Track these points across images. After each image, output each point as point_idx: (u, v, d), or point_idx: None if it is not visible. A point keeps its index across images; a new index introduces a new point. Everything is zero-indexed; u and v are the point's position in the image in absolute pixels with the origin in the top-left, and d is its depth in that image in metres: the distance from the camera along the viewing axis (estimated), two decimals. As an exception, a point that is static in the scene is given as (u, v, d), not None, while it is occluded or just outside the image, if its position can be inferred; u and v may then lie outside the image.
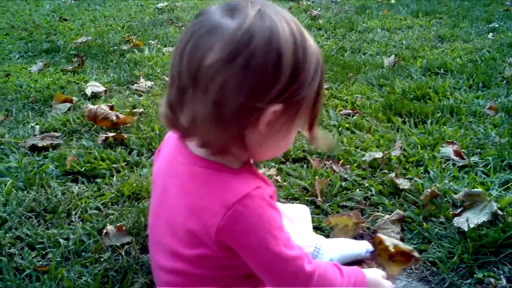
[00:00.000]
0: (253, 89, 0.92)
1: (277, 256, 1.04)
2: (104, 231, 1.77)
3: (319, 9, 5.57)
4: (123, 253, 1.71)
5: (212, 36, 0.92)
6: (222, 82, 0.91)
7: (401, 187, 2.01)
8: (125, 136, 2.48)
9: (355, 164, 2.20)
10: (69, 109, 2.92)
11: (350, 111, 2.81)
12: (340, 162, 2.23)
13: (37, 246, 1.76)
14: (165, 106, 1.03)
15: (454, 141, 2.35)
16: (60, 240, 1.77)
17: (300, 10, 5.52)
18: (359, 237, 1.79)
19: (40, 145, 2.44)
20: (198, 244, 1.05)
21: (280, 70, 0.92)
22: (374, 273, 1.41)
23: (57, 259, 1.69)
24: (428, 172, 2.14)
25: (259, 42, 0.90)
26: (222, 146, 1.01)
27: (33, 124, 2.70)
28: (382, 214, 1.86)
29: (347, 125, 2.60)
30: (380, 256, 1.63)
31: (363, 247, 1.67)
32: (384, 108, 2.81)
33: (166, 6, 5.88)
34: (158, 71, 3.58)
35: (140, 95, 3.15)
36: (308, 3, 5.89)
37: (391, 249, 1.60)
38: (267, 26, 0.92)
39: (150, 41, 4.42)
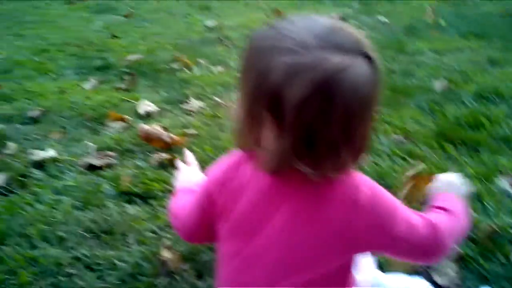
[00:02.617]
0: (369, 108, 0.96)
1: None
2: (160, 257, 1.79)
3: (366, 28, 5.54)
4: (179, 279, 1.73)
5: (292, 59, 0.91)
6: (319, 110, 0.91)
7: (457, 221, 1.98)
8: (178, 157, 2.50)
9: (409, 194, 2.18)
10: (123, 128, 2.97)
11: (401, 137, 2.79)
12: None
13: (95, 268, 1.80)
14: (252, 141, 1.01)
15: (510, 173, 2.31)
16: (117, 262, 1.81)
17: (348, 31, 5.51)
18: (414, 273, 1.77)
19: (95, 164, 2.50)
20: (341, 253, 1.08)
21: (377, 83, 0.96)
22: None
23: (115, 281, 1.72)
24: (484, 206, 2.11)
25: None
26: (333, 166, 1.00)
27: (88, 142, 2.76)
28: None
29: (399, 152, 2.59)
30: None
31: (422, 285, 1.65)
32: (436, 135, 2.79)
33: (215, 25, 5.93)
34: (208, 91, 3.61)
35: (191, 115, 3.19)
36: (356, 22, 5.86)
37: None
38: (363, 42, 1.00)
39: (200, 60, 4.47)
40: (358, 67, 0.91)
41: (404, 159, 2.54)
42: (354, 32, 0.98)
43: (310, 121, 0.90)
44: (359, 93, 0.91)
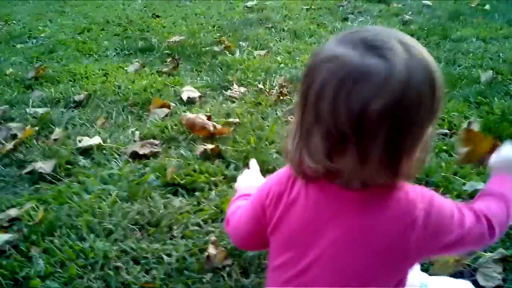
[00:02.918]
0: (419, 126, 0.95)
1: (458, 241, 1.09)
2: (206, 253, 1.80)
3: (410, 12, 5.44)
4: (225, 275, 1.75)
5: (368, 83, 0.91)
6: (391, 125, 0.92)
7: (504, 223, 1.95)
8: (222, 148, 2.51)
9: (455, 193, 2.15)
10: (166, 115, 2.99)
11: (447, 130, 2.75)
12: (440, 190, 2.19)
13: (141, 261, 1.82)
14: (319, 156, 1.01)
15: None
16: (163, 256, 1.83)
17: (391, 14, 5.42)
18: (458, 274, 1.76)
19: (140, 152, 2.52)
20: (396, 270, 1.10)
21: (436, 96, 0.95)
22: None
23: (162, 276, 1.75)
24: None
25: (419, 78, 0.92)
26: (384, 180, 1.02)
27: (133, 130, 2.79)
28: (484, 254, 1.81)
29: (444, 147, 2.55)
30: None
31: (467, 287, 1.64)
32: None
33: (256, 5, 5.89)
34: (251, 76, 3.59)
35: (234, 102, 3.18)
36: (399, 5, 5.76)
37: None
38: (418, 59, 0.94)
39: (241, 42, 4.45)
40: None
41: (450, 154, 2.50)
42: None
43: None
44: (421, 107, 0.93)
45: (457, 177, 2.28)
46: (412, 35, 4.38)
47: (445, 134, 2.72)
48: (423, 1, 5.88)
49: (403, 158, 0.97)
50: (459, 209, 1.11)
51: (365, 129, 0.92)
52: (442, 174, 2.30)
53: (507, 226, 1.21)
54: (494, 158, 1.34)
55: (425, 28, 4.86)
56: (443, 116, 2.90)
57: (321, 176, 1.05)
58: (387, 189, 1.04)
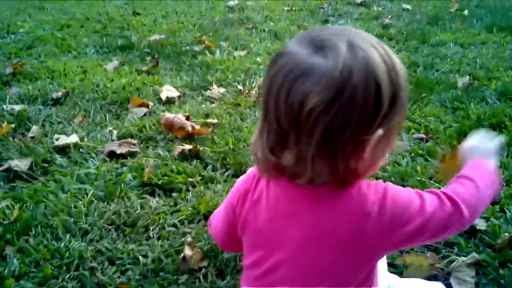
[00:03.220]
0: (358, 124, 0.93)
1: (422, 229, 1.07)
2: (182, 254, 1.81)
3: (390, 16, 5.49)
4: (200, 276, 1.75)
5: (308, 79, 0.92)
6: (327, 122, 0.92)
7: (477, 227, 1.98)
8: (200, 148, 2.52)
9: (430, 198, 2.18)
10: (145, 114, 2.99)
11: (423, 135, 2.78)
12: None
13: (117, 262, 1.82)
14: (265, 151, 1.03)
15: (533, 179, 2.30)
16: (139, 257, 1.83)
17: (371, 17, 5.46)
18: (432, 277, 1.78)
19: (118, 151, 2.51)
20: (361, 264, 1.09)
21: (381, 99, 0.93)
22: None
23: (137, 277, 1.75)
24: (505, 212, 2.10)
25: (358, 77, 0.91)
26: (331, 179, 1.01)
27: (110, 128, 2.78)
28: (458, 258, 1.84)
29: (420, 152, 2.57)
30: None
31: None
32: (458, 134, 2.77)
33: (237, 4, 5.91)
34: (230, 77, 3.60)
35: (213, 102, 3.19)
36: (379, 9, 5.81)
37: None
38: (360, 59, 0.93)
39: (222, 42, 4.46)
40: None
41: (425, 159, 2.53)
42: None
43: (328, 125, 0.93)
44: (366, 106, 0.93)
45: (432, 182, 2.31)
46: (391, 39, 4.47)
47: (421, 139, 2.74)
48: (403, 5, 5.96)
49: (342, 158, 0.97)
50: (419, 195, 1.09)
51: (302, 126, 0.94)
52: (418, 178, 2.32)
53: (481, 206, 1.19)
54: (463, 146, 1.35)
55: (404, 32, 4.91)
56: (419, 121, 2.93)
57: (271, 172, 1.07)
58: (339, 186, 1.04)
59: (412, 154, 2.56)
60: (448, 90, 3.43)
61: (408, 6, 5.91)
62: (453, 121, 2.97)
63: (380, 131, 0.96)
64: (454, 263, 1.81)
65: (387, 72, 0.94)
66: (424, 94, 3.34)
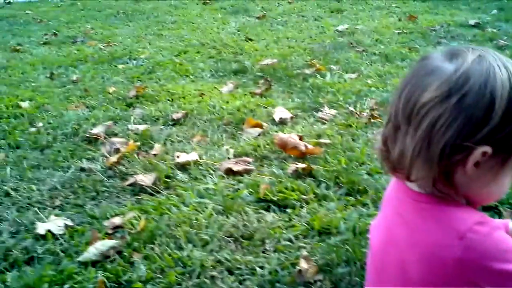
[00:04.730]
0: (462, 127, 0.95)
1: None
2: (297, 267, 1.86)
3: (505, 38, 5.34)
4: (315, 289, 1.80)
5: (430, 77, 0.99)
6: (433, 119, 0.96)
7: None
8: (313, 167, 2.58)
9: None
10: (259, 134, 3.09)
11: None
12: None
13: (235, 272, 1.91)
14: (381, 141, 1.10)
15: None
16: (256, 268, 1.91)
17: (485, 39, 5.33)
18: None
19: (234, 169, 2.62)
20: (433, 286, 1.05)
21: (492, 111, 0.94)
22: None
23: (254, 287, 1.82)
24: None
25: (474, 84, 0.94)
26: (428, 182, 1.02)
27: (227, 147, 2.90)
28: None
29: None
30: None
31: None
32: None
33: (347, 29, 5.95)
34: (341, 99, 3.65)
35: (324, 123, 3.24)
36: (494, 30, 5.65)
37: None
38: (483, 69, 0.96)
39: (332, 66, 4.52)
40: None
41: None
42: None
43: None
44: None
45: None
46: (507, 61, 4.31)
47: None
48: (520, 25, 5.76)
49: (439, 160, 0.97)
50: None
51: (412, 119, 0.99)
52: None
53: None
54: None
55: (520, 54, 4.76)
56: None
57: (385, 165, 1.12)
58: (439, 197, 1.05)
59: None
60: None
61: (526, 26, 5.72)
62: None
63: (487, 148, 0.96)
64: None
65: (508, 91, 0.96)
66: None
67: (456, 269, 1.00)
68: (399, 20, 6.46)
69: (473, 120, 0.95)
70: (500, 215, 2.18)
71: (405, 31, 5.77)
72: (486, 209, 2.23)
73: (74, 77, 4.46)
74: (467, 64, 0.97)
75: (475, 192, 1.06)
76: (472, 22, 6.09)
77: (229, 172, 2.62)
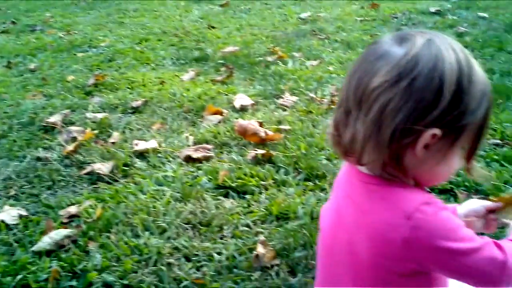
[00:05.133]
0: (412, 111, 0.95)
1: (464, 253, 1.01)
2: (255, 252, 1.86)
3: (465, 24, 5.40)
4: (272, 274, 1.80)
5: (379, 62, 0.99)
6: (383, 103, 0.96)
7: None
8: (273, 153, 2.57)
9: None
10: (219, 121, 3.07)
11: (499, 141, 2.74)
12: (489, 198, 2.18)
13: (193, 258, 1.89)
14: (332, 126, 1.10)
15: None
16: (214, 254, 1.90)
17: (446, 26, 5.38)
18: None
19: (194, 156, 2.60)
20: (382, 267, 1.06)
21: (441, 94, 0.95)
22: None
23: (211, 273, 1.81)
24: None
25: (423, 68, 0.95)
26: (378, 165, 1.03)
27: (187, 135, 2.88)
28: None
29: (495, 157, 2.54)
30: None
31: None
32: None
33: (310, 16, 5.95)
34: (302, 85, 3.65)
35: (285, 110, 3.24)
36: (454, 18, 5.72)
37: None
38: (432, 53, 0.97)
39: (294, 53, 4.51)
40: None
41: (501, 164, 2.49)
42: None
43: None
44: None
45: (507, 186, 2.28)
46: (466, 47, 4.36)
47: (497, 144, 2.70)
48: (479, 13, 5.83)
49: (389, 143, 0.98)
50: (470, 233, 1.04)
51: (363, 104, 0.99)
52: (492, 182, 2.30)
53: None
54: None
55: (480, 40, 4.82)
56: (495, 127, 2.89)
57: (337, 149, 1.11)
58: (387, 178, 1.05)
59: (487, 160, 2.52)
60: (526, 97, 3.36)
61: (485, 14, 5.78)
62: (531, 127, 2.91)
63: (436, 130, 0.97)
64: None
65: (457, 74, 0.96)
66: (501, 101, 3.28)
67: (404, 249, 1.00)
68: (362, 7, 6.49)
69: (423, 104, 0.95)
70: (455, 198, 2.21)
71: (367, 18, 5.80)
72: (443, 192, 2.26)
73: (32, 66, 4.37)
74: (416, 48, 0.97)
75: (424, 173, 1.06)
76: (433, 9, 6.14)
77: (189, 159, 2.59)
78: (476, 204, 1.38)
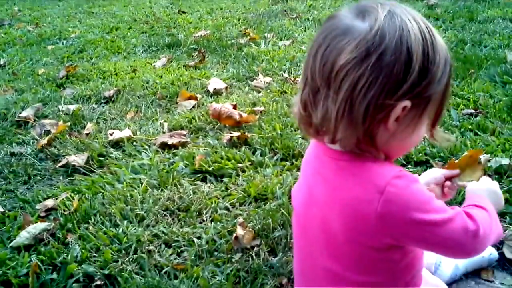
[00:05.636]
0: (383, 86, 0.95)
1: (437, 224, 1.03)
2: (234, 234, 1.86)
3: (435, -5, 5.43)
4: (253, 254, 1.80)
5: (344, 38, 0.97)
6: (353, 80, 0.96)
7: (529, 197, 1.97)
8: (248, 135, 2.57)
9: (480, 170, 2.17)
10: (193, 106, 3.06)
11: (472, 110, 2.76)
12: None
13: (173, 244, 1.89)
14: (299, 105, 1.09)
15: None
16: (194, 239, 1.89)
17: (416, -1, 5.42)
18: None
19: (169, 142, 2.59)
20: (357, 242, 1.07)
21: (410, 67, 0.96)
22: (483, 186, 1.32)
23: (192, 257, 1.81)
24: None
25: (390, 41, 0.95)
26: (352, 142, 1.03)
27: (161, 122, 2.86)
28: (510, 227, 1.83)
29: (469, 126, 2.56)
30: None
31: (487, 251, 1.66)
32: (508, 108, 2.74)
33: (281, -4, 5.96)
34: (276, 66, 3.65)
35: (259, 92, 3.24)
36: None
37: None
38: (397, 26, 0.96)
39: (266, 34, 4.51)
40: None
41: (475, 133, 2.51)
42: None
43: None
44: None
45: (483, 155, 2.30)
46: (437, 19, 4.41)
47: (471, 114, 2.72)
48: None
49: (363, 120, 0.98)
50: (441, 204, 1.07)
51: (332, 82, 0.98)
52: (466, 151, 2.31)
53: (490, 240, 1.13)
54: (474, 186, 1.31)
55: (451, 11, 4.86)
56: (468, 96, 2.91)
57: (304, 128, 1.11)
58: (360, 154, 1.06)
59: (462, 129, 2.54)
60: (497, 65, 3.38)
61: (454, -15, 5.81)
62: (503, 95, 2.94)
63: (407, 102, 0.98)
64: (507, 232, 1.81)
65: (422, 45, 0.97)
66: (472, 70, 3.31)
67: (378, 223, 1.01)
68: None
69: (393, 78, 0.96)
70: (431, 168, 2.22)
71: (338, -5, 5.81)
72: (418, 164, 2.28)
73: (2, 61, 4.32)
74: (380, 21, 0.96)
75: (395, 145, 1.07)
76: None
77: (164, 146, 2.58)
78: (436, 172, 1.41)
